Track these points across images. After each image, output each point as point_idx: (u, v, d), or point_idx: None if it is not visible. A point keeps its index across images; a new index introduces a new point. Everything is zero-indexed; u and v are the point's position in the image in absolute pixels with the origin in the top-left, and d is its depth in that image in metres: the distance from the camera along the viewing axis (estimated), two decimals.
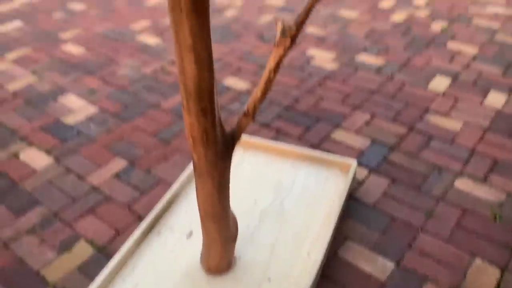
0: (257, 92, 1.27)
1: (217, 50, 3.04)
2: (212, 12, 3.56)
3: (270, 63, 1.22)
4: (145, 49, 3.07)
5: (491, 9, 3.45)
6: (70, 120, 2.41)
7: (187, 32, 1.02)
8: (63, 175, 2.05)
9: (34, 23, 3.45)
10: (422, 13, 3.43)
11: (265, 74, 1.24)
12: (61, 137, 2.28)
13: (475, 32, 3.15)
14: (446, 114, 2.37)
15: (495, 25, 3.23)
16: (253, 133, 2.28)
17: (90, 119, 2.41)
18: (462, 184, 1.95)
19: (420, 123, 2.31)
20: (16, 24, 3.45)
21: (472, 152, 2.12)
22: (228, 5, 3.67)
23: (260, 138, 2.20)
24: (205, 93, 1.14)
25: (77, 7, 3.71)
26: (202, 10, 1.00)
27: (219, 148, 1.27)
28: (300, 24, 1.19)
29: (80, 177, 2.04)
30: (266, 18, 3.45)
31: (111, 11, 3.63)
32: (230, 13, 3.53)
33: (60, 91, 2.64)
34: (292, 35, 1.19)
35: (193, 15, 1.00)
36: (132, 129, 2.34)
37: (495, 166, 2.04)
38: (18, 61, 2.95)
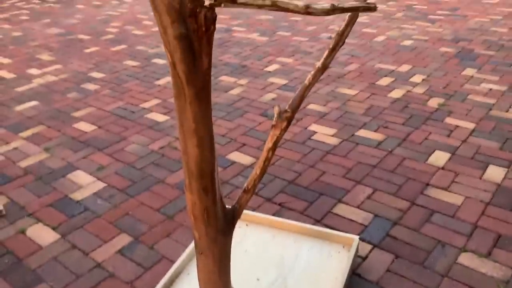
0: (256, 170, 1.33)
1: (223, 126, 3.16)
2: (219, 91, 3.74)
3: (268, 143, 1.30)
4: (153, 126, 3.20)
5: (485, 86, 3.60)
6: (78, 196, 2.47)
7: (190, 118, 1.11)
8: (68, 252, 2.07)
9: (49, 103, 3.64)
10: (419, 90, 3.58)
11: (263, 154, 1.31)
12: (68, 213, 2.33)
13: (471, 107, 3.26)
14: (446, 188, 2.40)
15: (490, 101, 3.35)
16: (256, 208, 2.31)
17: (98, 195, 2.47)
18: (466, 259, 1.93)
19: (421, 197, 2.34)
20: (32, 103, 3.64)
21: (475, 226, 2.12)
22: (233, 84, 3.86)
23: (263, 213, 2.23)
24: (206, 172, 1.20)
25: (91, 87, 3.93)
26: (204, 99, 1.10)
27: (220, 225, 1.31)
28: (296, 107, 1.28)
29: (85, 253, 2.06)
30: (269, 96, 3.62)
31: (122, 90, 3.83)
32: (235, 92, 3.71)
33: (70, 167, 2.73)
34: (288, 117, 1.27)
35: (196, 103, 1.09)
36: (137, 204, 2.38)
37: (498, 240, 2.03)
38: (32, 139, 3.08)
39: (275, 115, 1.28)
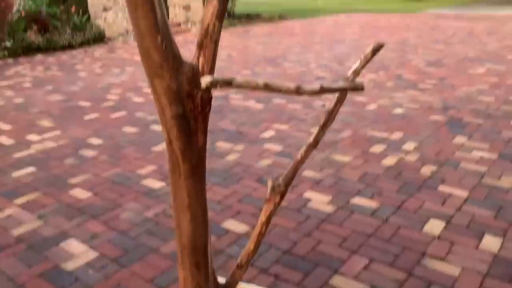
0: (250, 245, 1.33)
1: (218, 192, 3.17)
2: (215, 157, 3.79)
3: (262, 218, 1.31)
4: (149, 193, 3.21)
5: (476, 154, 3.67)
6: (69, 266, 2.42)
7: (185, 194, 1.13)
8: None
9: (46, 169, 3.66)
10: (412, 158, 3.64)
11: (257, 227, 1.32)
12: (58, 285, 2.27)
13: (464, 175, 3.31)
14: (443, 258, 2.38)
15: (482, 168, 3.40)
16: (251, 279, 2.27)
17: (90, 265, 2.42)
18: None
19: (418, 267, 2.31)
20: (29, 169, 3.66)
21: None
22: (229, 150, 3.92)
23: (258, 286, 2.19)
24: (199, 248, 1.20)
25: (88, 153, 3.97)
26: (199, 175, 1.13)
27: None
28: (289, 181, 1.31)
29: None
30: (265, 162, 3.66)
31: (120, 157, 3.87)
32: (231, 158, 3.76)
33: (63, 236, 2.70)
34: (281, 191, 1.30)
35: (191, 179, 1.12)
36: (130, 275, 2.33)
37: None
38: (26, 206, 3.07)
39: (269, 189, 1.30)
